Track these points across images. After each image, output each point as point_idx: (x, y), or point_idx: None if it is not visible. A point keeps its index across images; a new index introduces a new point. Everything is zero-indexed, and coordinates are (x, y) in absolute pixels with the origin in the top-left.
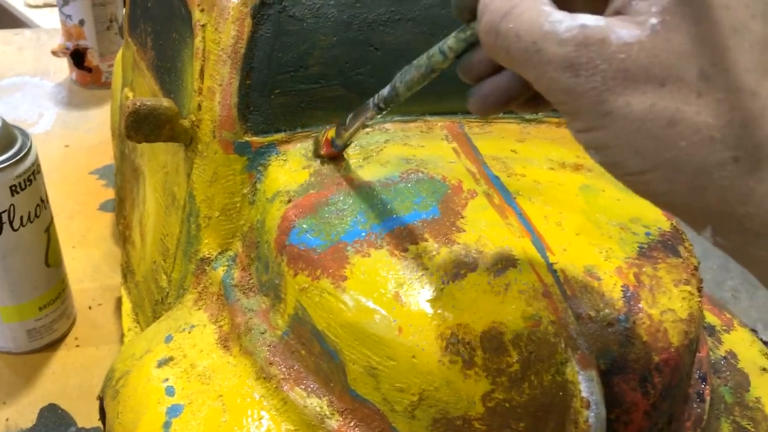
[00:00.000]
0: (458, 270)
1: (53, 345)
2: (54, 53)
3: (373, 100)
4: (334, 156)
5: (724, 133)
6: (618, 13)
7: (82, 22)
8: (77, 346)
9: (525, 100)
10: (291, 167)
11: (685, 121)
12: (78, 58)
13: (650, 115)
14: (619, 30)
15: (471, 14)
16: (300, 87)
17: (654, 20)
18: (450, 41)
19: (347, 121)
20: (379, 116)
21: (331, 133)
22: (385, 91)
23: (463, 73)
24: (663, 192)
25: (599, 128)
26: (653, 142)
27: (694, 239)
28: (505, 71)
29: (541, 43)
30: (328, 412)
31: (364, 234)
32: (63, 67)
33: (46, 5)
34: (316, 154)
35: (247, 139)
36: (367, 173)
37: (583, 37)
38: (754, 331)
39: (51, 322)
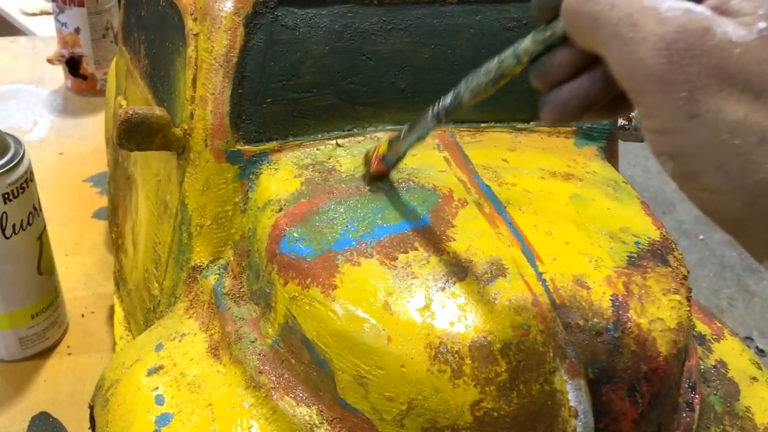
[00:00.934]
0: (448, 279)
1: (45, 353)
2: (49, 61)
3: (432, 110)
4: (383, 173)
5: None
6: (717, 8)
7: (77, 30)
8: (69, 354)
9: (602, 105)
10: (282, 176)
11: None
12: (73, 65)
13: (742, 128)
14: (726, 25)
15: (552, 13)
16: (292, 96)
17: (763, 24)
18: (525, 43)
19: (401, 135)
20: (436, 127)
21: (382, 148)
22: (447, 99)
23: (539, 77)
24: (738, 216)
25: (681, 132)
26: (740, 160)
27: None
28: (584, 75)
29: (638, 16)
30: (317, 421)
31: (354, 243)
32: (58, 75)
33: (42, 13)
34: (365, 173)
35: (239, 147)
36: (358, 182)
37: (686, 21)
38: (749, 339)
39: (43, 330)
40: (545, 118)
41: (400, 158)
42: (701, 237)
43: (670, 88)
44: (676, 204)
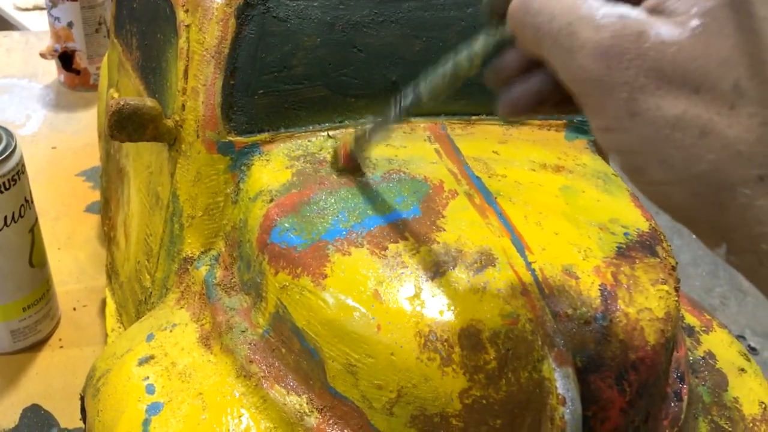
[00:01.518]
0: (437, 268)
1: (37, 346)
2: (42, 55)
3: (395, 109)
4: (353, 167)
5: (752, 150)
6: (653, 10)
7: (70, 25)
8: (61, 347)
9: (555, 102)
10: (274, 167)
11: (715, 132)
12: (66, 60)
13: (682, 123)
14: (659, 27)
15: (501, 16)
16: (283, 87)
17: (695, 22)
18: (477, 46)
19: (366, 131)
20: (398, 124)
21: (349, 144)
22: (408, 98)
23: (491, 76)
24: (684, 206)
25: (625, 130)
26: (682, 153)
27: (685, 246)
28: (535, 73)
29: (576, 25)
30: (307, 410)
31: (345, 233)
32: (51, 70)
33: (35, 8)
34: (335, 167)
35: (230, 139)
36: (350, 173)
37: (621, 27)
38: (742, 337)
39: (35, 323)
40: (500, 113)
41: (366, 154)
42: (694, 236)
43: (610, 90)
44: None
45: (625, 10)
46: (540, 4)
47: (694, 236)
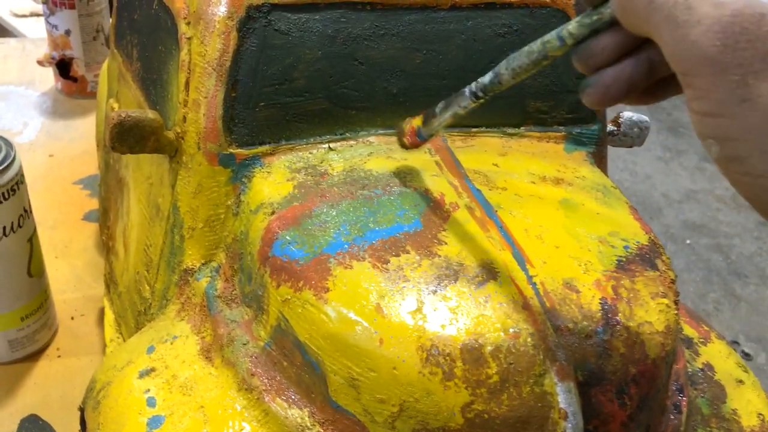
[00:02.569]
0: (439, 282)
1: (35, 355)
2: (40, 63)
3: (470, 88)
4: (417, 145)
5: None
6: None
7: (68, 32)
8: (59, 356)
9: (643, 90)
10: (275, 179)
11: None
12: (64, 67)
13: None
14: None
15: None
16: (285, 100)
17: None
18: (571, 26)
19: (437, 109)
20: (473, 105)
21: (417, 121)
22: (486, 78)
23: (582, 60)
24: None
25: (731, 115)
26: None
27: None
28: (627, 60)
29: None
30: (309, 423)
31: (346, 246)
32: (48, 77)
33: (32, 14)
34: (400, 143)
35: (231, 151)
36: (350, 186)
37: (743, 5)
38: (735, 343)
39: (33, 333)
40: (587, 100)
41: (434, 133)
42: (688, 242)
43: (723, 71)
44: (663, 209)
45: None
46: None
47: (687, 242)
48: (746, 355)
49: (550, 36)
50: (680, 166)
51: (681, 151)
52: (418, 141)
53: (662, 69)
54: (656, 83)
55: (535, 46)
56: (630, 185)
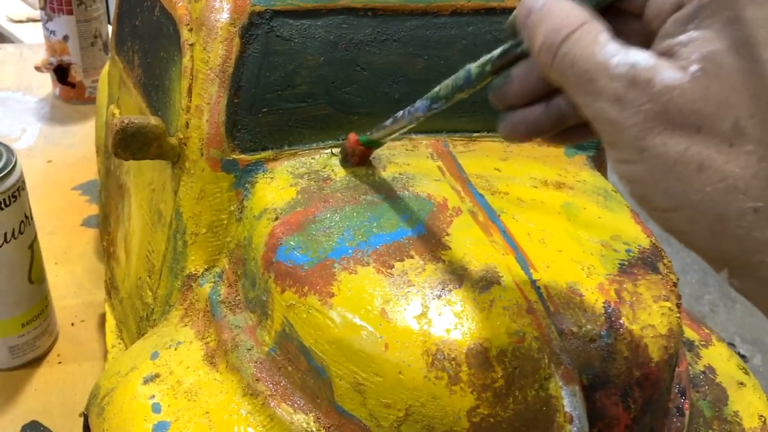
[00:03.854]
0: (443, 287)
1: (35, 362)
2: (37, 68)
3: (409, 110)
4: (363, 155)
5: (748, 184)
6: (665, 53)
7: (66, 38)
8: (59, 362)
9: (553, 135)
10: (278, 185)
11: (713, 168)
12: (61, 73)
13: (683, 159)
14: (665, 72)
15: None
16: (287, 106)
17: (695, 67)
18: (494, 54)
19: (374, 130)
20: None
21: (355, 140)
22: (419, 102)
23: (496, 99)
24: (685, 231)
25: (635, 162)
26: (681, 184)
27: (674, 254)
28: (537, 105)
29: (593, 73)
30: (314, 428)
31: (350, 251)
32: (46, 83)
33: (28, 20)
34: (343, 163)
35: (234, 157)
36: (354, 191)
37: (632, 76)
38: (731, 344)
39: (33, 339)
40: (500, 133)
41: (380, 139)
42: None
43: (624, 130)
44: None
45: (637, 56)
46: (562, 51)
47: (683, 244)
48: (742, 357)
49: (474, 65)
50: None
51: None
52: (361, 147)
53: (571, 118)
54: (567, 129)
55: (460, 74)
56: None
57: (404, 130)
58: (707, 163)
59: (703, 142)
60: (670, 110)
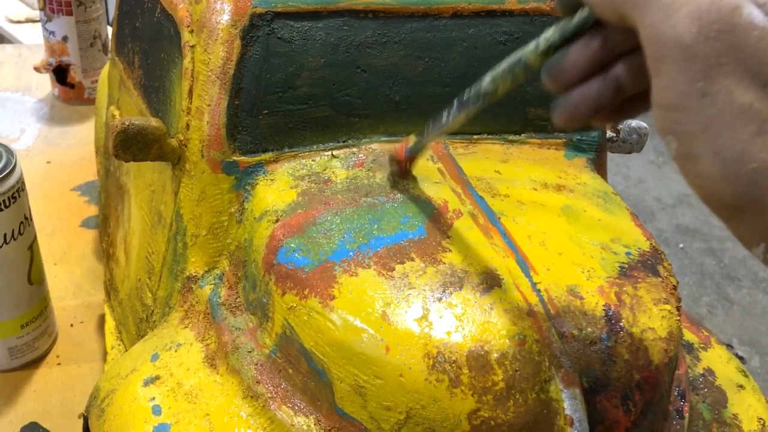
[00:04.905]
0: (444, 289)
1: (34, 363)
2: (36, 69)
3: (458, 100)
4: (405, 168)
5: None
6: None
7: (65, 39)
8: (59, 364)
9: (611, 109)
10: (278, 187)
11: None
12: (61, 74)
13: (745, 115)
14: (752, 8)
15: (575, 6)
16: (288, 107)
17: None
18: (547, 32)
19: (424, 132)
20: (461, 117)
21: (409, 139)
22: (471, 89)
23: (551, 78)
24: (730, 204)
25: (690, 110)
26: (737, 148)
27: (672, 255)
28: (595, 79)
29: None
30: (315, 431)
31: (351, 253)
32: (45, 83)
33: (27, 21)
34: (392, 170)
35: (235, 158)
36: (354, 193)
37: None
38: (729, 346)
39: (32, 340)
40: (556, 120)
41: (422, 147)
42: (681, 246)
43: (693, 59)
44: (656, 213)
45: None
46: None
47: (680, 246)
48: (740, 358)
49: (527, 48)
50: (673, 170)
51: None
52: (405, 156)
53: (629, 87)
54: (623, 102)
55: (515, 53)
56: (623, 189)
57: (452, 124)
58: (766, 127)
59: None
60: (745, 50)
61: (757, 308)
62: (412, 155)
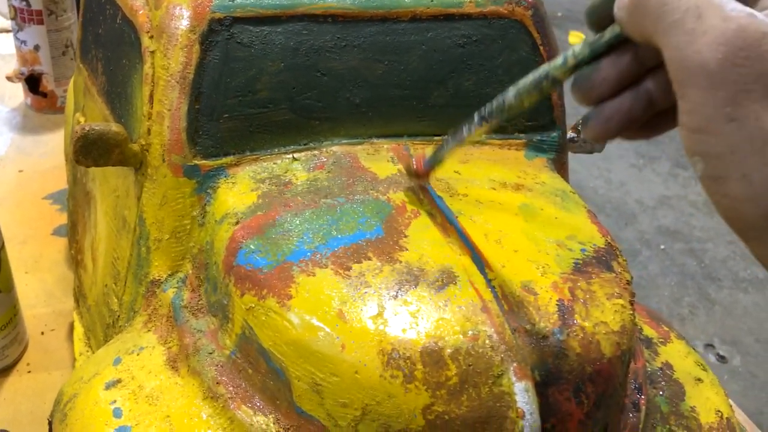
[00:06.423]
0: (400, 287)
1: (4, 371)
2: (9, 78)
3: (479, 113)
4: (425, 174)
5: None
6: None
7: (37, 48)
8: (29, 371)
9: (642, 124)
10: (239, 189)
11: None
12: (33, 83)
13: None
14: None
15: (605, 21)
16: (248, 111)
17: None
18: (576, 48)
19: (444, 141)
20: (481, 129)
21: (427, 150)
22: (493, 102)
23: (583, 91)
24: (755, 226)
25: (717, 133)
26: (765, 173)
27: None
28: (627, 93)
29: (704, 9)
30: (274, 430)
31: (309, 254)
32: (18, 93)
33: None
34: (408, 174)
35: (196, 162)
36: (314, 195)
37: (748, 22)
38: (711, 346)
39: (2, 348)
40: (588, 134)
41: (441, 160)
42: (662, 247)
43: (719, 85)
44: (637, 215)
45: (753, 11)
46: None
47: (662, 247)
48: (721, 358)
49: (554, 62)
50: (654, 172)
51: (654, 158)
52: (424, 169)
53: (660, 102)
54: (654, 117)
55: (540, 69)
56: (605, 192)
57: (470, 137)
58: None
59: None
60: None
61: (738, 308)
62: (431, 168)
